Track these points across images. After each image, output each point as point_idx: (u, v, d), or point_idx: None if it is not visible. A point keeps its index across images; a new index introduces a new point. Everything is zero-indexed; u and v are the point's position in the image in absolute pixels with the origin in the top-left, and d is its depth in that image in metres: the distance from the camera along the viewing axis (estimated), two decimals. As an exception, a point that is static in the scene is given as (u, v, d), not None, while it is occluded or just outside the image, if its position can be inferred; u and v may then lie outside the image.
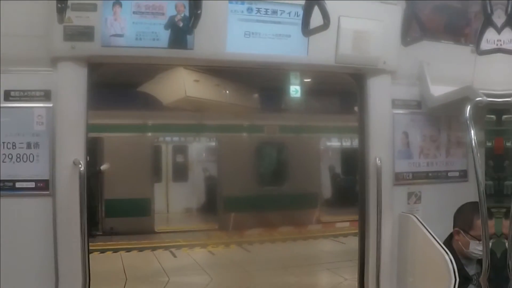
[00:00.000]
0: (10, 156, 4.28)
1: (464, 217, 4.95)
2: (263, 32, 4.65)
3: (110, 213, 15.12)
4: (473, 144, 4.59)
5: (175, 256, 13.09)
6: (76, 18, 4.16)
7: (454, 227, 5.05)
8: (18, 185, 4.28)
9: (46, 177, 4.32)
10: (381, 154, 5.10)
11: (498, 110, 5.18)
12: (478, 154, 4.64)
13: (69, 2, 3.98)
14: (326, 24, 4.18)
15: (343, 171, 19.39)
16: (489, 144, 5.51)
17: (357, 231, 5.58)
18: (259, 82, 13.82)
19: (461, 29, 5.66)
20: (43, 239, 4.30)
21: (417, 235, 5.06)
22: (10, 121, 4.28)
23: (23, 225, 4.26)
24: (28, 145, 4.32)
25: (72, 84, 4.34)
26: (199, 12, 4.07)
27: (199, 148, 18.43)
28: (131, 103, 14.26)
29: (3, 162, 4.27)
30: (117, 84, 11.55)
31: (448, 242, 4.97)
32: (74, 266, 4.23)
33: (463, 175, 5.74)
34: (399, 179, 5.36)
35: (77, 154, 4.30)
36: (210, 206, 17.10)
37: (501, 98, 4.98)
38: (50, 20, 4.17)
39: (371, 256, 5.18)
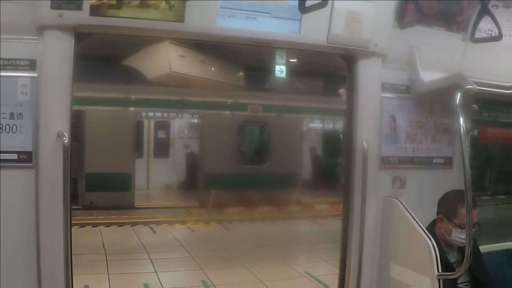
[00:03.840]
0: (-8, 126, 4.20)
1: (448, 205, 4.97)
2: (255, 7, 4.58)
3: (90, 187, 15.05)
4: (462, 131, 4.59)
5: (154, 232, 13.11)
6: None
7: (437, 214, 5.07)
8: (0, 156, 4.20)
9: (29, 149, 4.23)
10: (368, 137, 5.08)
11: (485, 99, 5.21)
12: (466, 142, 4.64)
13: None
14: (324, 2, 4.13)
15: (324, 153, 19.45)
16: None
17: (336, 213, 5.58)
18: (245, 60, 13.76)
19: (454, 16, 5.63)
20: (25, 212, 4.22)
21: (401, 220, 5.06)
22: (-8, 90, 4.19)
23: (4, 197, 4.17)
24: (11, 116, 4.22)
25: (58, 54, 4.24)
26: None
27: (181, 124, 18.40)
28: (114, 77, 14.16)
29: (-16, 132, 4.18)
30: (101, 57, 11.46)
31: (431, 228, 5.00)
32: (56, 239, 4.16)
33: (448, 162, 5.75)
34: (384, 163, 5.35)
35: (61, 126, 4.21)
36: (190, 183, 17.11)
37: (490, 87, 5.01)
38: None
39: (354, 239, 5.17)
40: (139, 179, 16.45)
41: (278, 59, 13.49)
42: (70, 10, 4.11)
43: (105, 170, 15.07)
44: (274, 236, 13.23)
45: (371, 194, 5.06)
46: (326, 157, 19.27)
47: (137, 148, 16.72)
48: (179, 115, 18.11)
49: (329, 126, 19.69)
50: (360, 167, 5.04)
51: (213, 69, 13.28)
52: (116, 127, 15.29)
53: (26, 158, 4.23)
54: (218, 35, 4.67)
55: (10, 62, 4.20)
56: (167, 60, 11.64)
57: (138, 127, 16.87)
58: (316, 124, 19.44)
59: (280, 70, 14.08)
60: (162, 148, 18.05)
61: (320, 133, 19.53)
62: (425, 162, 5.63)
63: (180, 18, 4.34)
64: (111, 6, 4.19)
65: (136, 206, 15.63)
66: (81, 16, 4.13)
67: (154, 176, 17.63)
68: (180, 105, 16.96)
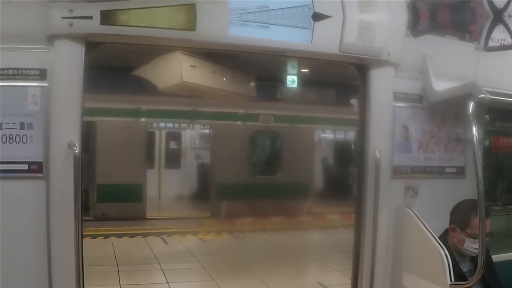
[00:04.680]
0: (2, 137, 4.18)
1: (461, 215, 4.96)
2: (267, 16, 4.57)
3: (102, 198, 15.05)
4: (475, 141, 4.56)
5: (166, 243, 13.07)
6: None
7: (450, 223, 5.04)
8: (10, 167, 4.18)
9: (39, 159, 4.22)
10: (380, 147, 5.06)
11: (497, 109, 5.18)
12: (480, 152, 4.61)
13: None
14: (336, 10, 4.13)
15: (336, 164, 19.40)
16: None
17: (347, 223, 5.56)
18: (256, 70, 13.75)
19: (467, 25, 5.61)
20: (36, 223, 4.21)
21: (413, 229, 5.03)
22: (3, 101, 4.17)
23: (15, 208, 4.16)
24: (22, 126, 4.22)
25: (68, 63, 4.23)
26: None
27: (192, 135, 18.37)
28: (125, 87, 14.16)
29: (-5, 142, 4.18)
30: (112, 67, 11.48)
31: (443, 238, 4.98)
32: (68, 250, 4.15)
33: (460, 172, 5.72)
34: (397, 172, 5.32)
35: (72, 136, 4.20)
36: (202, 193, 17.06)
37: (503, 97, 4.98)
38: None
39: (366, 248, 5.15)
40: (151, 190, 16.41)
41: (289, 69, 13.48)
42: (80, 19, 4.10)
43: (117, 181, 15.07)
44: (285, 246, 13.20)
45: (383, 203, 5.03)
46: (337, 167, 19.21)
47: (149, 159, 16.69)
48: (190, 125, 18.10)
49: (340, 136, 19.64)
50: (372, 177, 5.02)
51: (224, 79, 13.27)
52: (127, 138, 15.29)
53: (37, 169, 4.22)
54: (230, 44, 4.66)
55: (20, 71, 4.20)
56: (178, 71, 11.63)
57: (149, 138, 16.86)
58: (327, 134, 19.39)
59: (292, 80, 14.05)
60: (174, 159, 18.02)
61: (331, 143, 19.48)
62: (438, 172, 5.60)
63: (192, 27, 4.34)
64: (122, 13, 4.19)
65: (147, 217, 15.60)
66: (92, 25, 4.13)
67: (165, 187, 17.59)
68: (192, 116, 16.94)
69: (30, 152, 4.22)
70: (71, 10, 4.09)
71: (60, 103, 4.21)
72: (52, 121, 4.20)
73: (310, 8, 4.58)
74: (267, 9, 4.56)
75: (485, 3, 5.52)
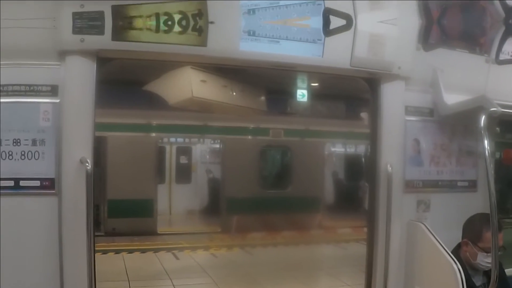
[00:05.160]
0: (14, 153, 4.19)
1: (473, 229, 4.94)
2: (278, 31, 4.58)
3: (113, 214, 15.04)
4: (486, 154, 4.54)
5: (177, 258, 13.03)
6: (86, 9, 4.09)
7: (462, 238, 5.02)
8: (22, 183, 4.20)
9: (51, 176, 4.23)
10: (392, 161, 5.05)
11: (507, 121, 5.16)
12: (492, 165, 4.59)
13: None
14: (348, 24, 4.13)
15: (346, 177, 19.34)
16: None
17: (359, 237, 5.55)
18: (266, 84, 13.76)
19: (477, 37, 5.60)
20: (48, 239, 4.21)
21: (426, 244, 5.01)
22: (15, 117, 4.20)
23: (27, 225, 4.17)
24: (34, 142, 4.23)
25: (80, 79, 4.25)
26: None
27: (203, 149, 18.38)
28: (135, 102, 14.17)
29: (7, 159, 4.18)
30: (122, 82, 11.49)
31: (456, 252, 4.95)
32: (80, 267, 4.15)
33: (472, 185, 5.71)
34: (409, 186, 5.31)
35: (84, 152, 4.21)
36: (212, 208, 17.03)
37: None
38: (58, 12, 4.10)
39: (379, 263, 5.13)
40: (161, 205, 16.39)
41: (299, 83, 13.48)
42: (92, 35, 4.12)
43: (127, 196, 15.04)
44: (297, 261, 13.11)
45: (395, 218, 5.02)
46: (348, 180, 19.15)
47: (159, 174, 16.68)
48: (201, 140, 18.11)
49: (351, 149, 19.59)
50: (384, 191, 5.01)
51: (234, 93, 13.29)
52: (138, 153, 15.28)
53: (49, 185, 4.23)
54: (241, 59, 4.67)
55: (32, 88, 4.22)
56: (189, 85, 11.67)
57: (160, 153, 16.86)
58: (338, 148, 19.35)
59: (302, 94, 14.06)
60: (184, 174, 18.01)
61: (342, 157, 19.43)
62: (449, 185, 5.59)
63: (203, 43, 4.35)
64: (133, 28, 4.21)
65: (158, 232, 15.57)
66: (103, 41, 4.15)
67: (176, 202, 17.57)
68: (202, 130, 16.95)
69: (42, 168, 4.23)
70: (82, 26, 4.11)
71: (72, 119, 4.23)
72: (64, 137, 4.22)
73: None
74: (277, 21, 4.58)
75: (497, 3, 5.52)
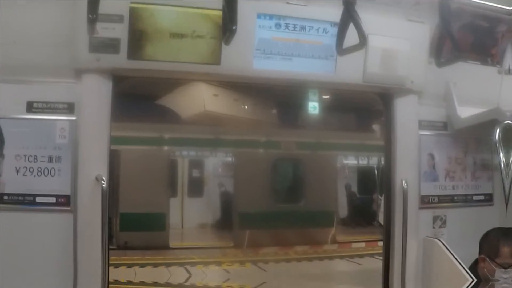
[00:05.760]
0: (31, 170, 4.22)
1: (490, 244, 4.85)
2: (290, 48, 4.59)
3: (125, 227, 15.04)
4: (502, 166, 4.52)
5: (189, 273, 13.00)
6: (102, 30, 4.11)
7: (479, 253, 4.95)
8: (38, 199, 4.22)
9: (67, 193, 4.25)
10: (407, 176, 5.02)
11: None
12: (508, 177, 4.57)
13: None
14: (362, 43, 4.12)
15: (359, 190, 19.28)
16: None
17: (372, 251, 5.52)
18: (277, 98, 13.78)
19: (488, 49, 5.58)
20: (63, 255, 4.24)
21: (442, 260, 4.97)
22: (32, 133, 4.23)
23: (42, 241, 4.20)
24: (50, 159, 4.26)
25: (96, 97, 4.29)
26: (234, 28, 3.97)
27: (215, 163, 18.35)
28: (148, 116, 14.22)
29: (23, 175, 4.21)
30: (135, 96, 11.53)
31: (473, 268, 4.88)
32: (94, 281, 4.16)
33: (488, 199, 5.66)
34: (424, 202, 5.28)
35: (99, 169, 4.24)
36: (225, 222, 16.97)
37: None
38: (75, 31, 4.13)
39: (395, 279, 5.09)
40: (174, 218, 16.39)
41: (311, 96, 13.50)
42: (107, 53, 4.15)
43: (140, 210, 15.03)
44: (310, 276, 13.07)
45: (411, 234, 4.99)
46: (361, 193, 19.09)
47: (171, 187, 16.70)
48: (213, 153, 18.09)
49: (363, 162, 19.53)
50: (400, 207, 4.98)
51: (246, 107, 13.33)
52: (150, 166, 15.29)
53: (65, 202, 4.25)
54: (254, 77, 4.68)
55: (48, 105, 4.26)
56: (201, 100, 11.74)
57: (172, 166, 16.87)
58: (350, 161, 19.29)
59: (313, 107, 14.08)
60: (196, 187, 17.99)
61: (354, 170, 19.37)
62: (465, 200, 5.55)
63: (217, 61, 4.36)
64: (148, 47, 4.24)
65: (170, 246, 15.53)
66: (119, 60, 4.18)
67: (188, 216, 17.54)
68: (214, 144, 16.96)
69: (58, 185, 4.26)
70: (98, 45, 4.14)
71: (88, 137, 4.26)
72: (80, 155, 4.25)
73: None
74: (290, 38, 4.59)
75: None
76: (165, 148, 16.28)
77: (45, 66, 4.21)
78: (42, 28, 4.18)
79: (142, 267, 13.19)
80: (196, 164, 18.16)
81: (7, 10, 4.08)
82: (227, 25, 3.98)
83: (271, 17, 4.51)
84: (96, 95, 4.28)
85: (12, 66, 4.10)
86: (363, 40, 4.11)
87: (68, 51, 4.20)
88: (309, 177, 17.00)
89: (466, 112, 5.26)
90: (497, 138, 4.58)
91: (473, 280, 4.57)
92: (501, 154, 4.51)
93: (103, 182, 4.14)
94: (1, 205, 4.14)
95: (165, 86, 11.93)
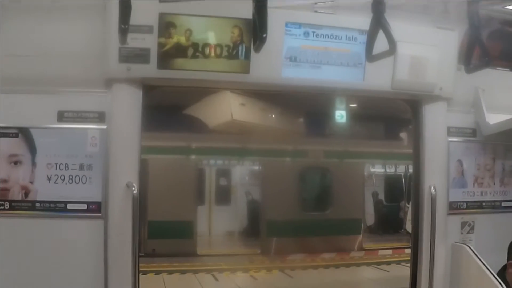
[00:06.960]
0: (62, 177, 4.30)
1: (518, 250, 4.86)
2: (319, 57, 4.62)
3: (153, 235, 15.10)
4: None
5: (217, 280, 13.03)
6: (132, 40, 4.17)
7: (508, 259, 4.94)
8: (70, 206, 4.30)
9: (98, 200, 4.33)
10: (435, 182, 5.02)
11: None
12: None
13: None
14: (392, 49, 4.13)
15: (386, 198, 19.15)
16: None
17: (400, 258, 5.53)
18: (304, 107, 13.77)
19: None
20: (94, 262, 4.30)
21: (471, 266, 4.95)
22: (63, 142, 4.31)
23: (74, 247, 4.27)
24: (81, 167, 4.34)
25: (126, 106, 4.36)
26: (264, 36, 4.00)
27: (242, 171, 18.36)
28: (176, 126, 14.31)
29: (55, 183, 4.29)
30: (163, 106, 11.62)
31: (502, 274, 4.87)
32: (125, 288, 4.22)
33: (517, 206, 5.62)
34: (453, 208, 5.28)
35: (130, 176, 4.31)
36: (252, 230, 16.95)
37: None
38: (105, 41, 4.21)
39: (423, 285, 5.07)
40: (201, 226, 16.42)
41: (338, 104, 13.47)
42: (138, 63, 4.21)
43: (167, 218, 15.09)
44: (337, 283, 13.02)
45: (440, 240, 4.98)
46: (388, 201, 18.95)
47: (199, 196, 16.73)
48: (240, 162, 18.10)
49: (390, 170, 19.40)
50: (428, 213, 4.98)
51: (273, 116, 13.33)
52: (178, 175, 15.37)
53: (96, 209, 4.33)
54: (283, 85, 4.71)
55: (80, 114, 4.34)
56: (228, 109, 11.76)
57: (200, 175, 16.91)
58: (377, 169, 19.18)
59: (341, 115, 14.04)
60: (224, 195, 17.97)
61: (381, 178, 19.25)
62: (493, 206, 5.55)
63: (246, 70, 4.40)
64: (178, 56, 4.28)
65: (198, 253, 15.58)
66: (149, 70, 4.25)
67: (216, 224, 17.57)
68: (241, 153, 16.97)
69: (89, 192, 4.33)
70: (128, 55, 4.20)
71: (119, 145, 4.33)
72: (111, 162, 4.32)
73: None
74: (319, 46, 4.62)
75: None
76: (193, 157, 16.32)
77: (76, 77, 4.30)
78: (73, 39, 4.27)
79: (170, 274, 13.24)
80: (224, 172, 18.16)
81: (39, 22, 4.17)
82: (257, 34, 4.01)
83: (299, 25, 4.55)
84: (126, 104, 4.36)
85: (44, 77, 4.18)
86: (392, 46, 4.11)
87: (98, 61, 4.28)
88: (336, 185, 16.92)
89: (494, 118, 5.26)
90: (526, 144, 4.57)
91: (502, 286, 4.54)
92: (531, 160, 4.50)
93: (134, 188, 4.20)
94: (34, 212, 4.22)
95: (192, 96, 11.99)
